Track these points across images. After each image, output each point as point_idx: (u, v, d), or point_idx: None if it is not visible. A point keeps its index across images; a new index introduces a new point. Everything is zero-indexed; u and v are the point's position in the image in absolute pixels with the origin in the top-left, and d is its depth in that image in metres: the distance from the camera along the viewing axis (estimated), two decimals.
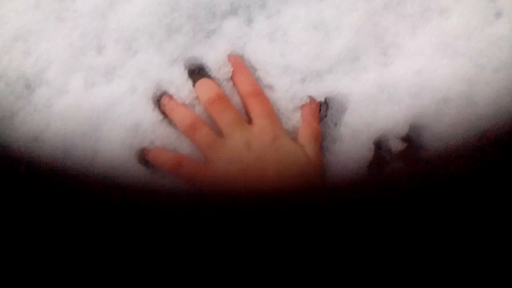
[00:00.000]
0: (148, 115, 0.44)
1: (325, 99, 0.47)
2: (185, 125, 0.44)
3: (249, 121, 0.45)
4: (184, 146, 0.45)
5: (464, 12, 0.46)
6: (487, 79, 0.44)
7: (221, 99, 0.44)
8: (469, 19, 0.46)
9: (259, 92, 0.45)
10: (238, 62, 0.46)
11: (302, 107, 0.46)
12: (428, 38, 0.46)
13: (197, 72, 0.47)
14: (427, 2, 0.46)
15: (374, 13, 0.46)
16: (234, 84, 0.46)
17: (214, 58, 0.46)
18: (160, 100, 0.45)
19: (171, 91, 0.45)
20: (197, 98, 0.45)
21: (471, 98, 0.44)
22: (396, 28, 0.46)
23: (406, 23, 0.46)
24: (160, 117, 0.45)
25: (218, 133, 0.44)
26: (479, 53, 0.45)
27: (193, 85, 0.46)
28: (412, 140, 0.46)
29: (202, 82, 0.45)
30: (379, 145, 0.46)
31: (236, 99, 0.46)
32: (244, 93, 0.45)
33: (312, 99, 0.46)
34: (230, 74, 0.46)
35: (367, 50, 0.46)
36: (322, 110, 0.47)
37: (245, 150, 0.43)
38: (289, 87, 0.46)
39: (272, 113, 0.45)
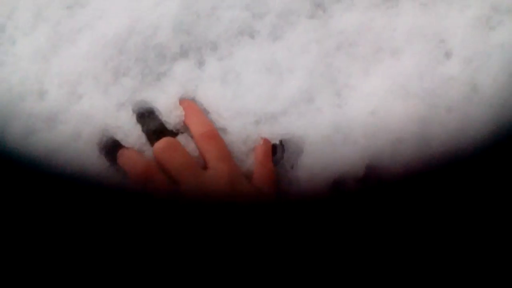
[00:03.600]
0: (93, 162, 0.42)
1: (281, 141, 0.46)
2: (137, 172, 0.42)
3: (205, 164, 0.43)
4: None
5: (415, 53, 0.46)
6: (440, 119, 0.45)
7: (171, 145, 0.43)
8: (420, 59, 0.46)
9: (214, 133, 0.44)
10: (191, 105, 0.45)
11: (255, 148, 0.45)
12: (381, 78, 0.46)
13: (147, 116, 0.45)
14: (378, 43, 0.46)
15: (326, 55, 0.46)
16: (187, 127, 0.45)
17: (164, 102, 0.44)
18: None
19: (119, 136, 0.44)
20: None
21: (425, 139, 0.44)
22: (349, 69, 0.46)
23: (359, 64, 0.46)
24: (107, 164, 0.43)
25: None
26: (431, 93, 0.45)
27: (142, 130, 0.44)
28: (369, 181, 0.45)
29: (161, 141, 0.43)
30: (337, 187, 0.45)
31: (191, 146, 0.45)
32: (197, 135, 0.44)
33: (265, 139, 0.45)
34: (182, 118, 0.45)
35: (321, 91, 0.46)
36: (278, 153, 0.46)
37: (200, 197, 0.41)
38: (242, 129, 0.45)
39: (227, 155, 0.44)
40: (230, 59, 0.46)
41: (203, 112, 0.45)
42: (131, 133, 0.44)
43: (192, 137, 0.45)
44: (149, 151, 0.44)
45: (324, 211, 0.43)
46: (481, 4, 0.46)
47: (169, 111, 0.44)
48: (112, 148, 0.44)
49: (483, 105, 0.45)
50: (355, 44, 0.46)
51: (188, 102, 0.45)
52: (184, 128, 0.45)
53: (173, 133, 0.45)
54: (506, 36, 0.46)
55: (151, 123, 0.45)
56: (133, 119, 0.44)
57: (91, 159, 0.42)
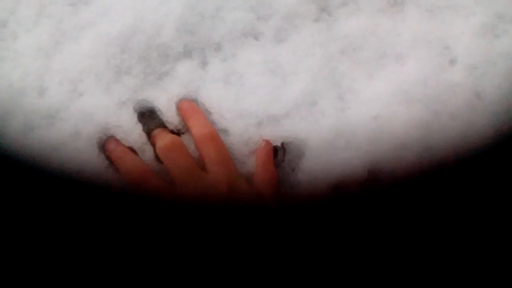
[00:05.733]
0: (93, 161, 0.42)
1: (282, 144, 0.45)
2: (132, 178, 0.41)
3: (203, 166, 0.43)
4: None
5: (420, 59, 0.46)
6: (443, 126, 0.45)
7: (176, 145, 0.42)
8: (424, 65, 0.46)
9: (214, 135, 0.43)
10: (192, 106, 0.44)
11: (257, 150, 0.45)
12: (385, 84, 0.46)
13: (147, 116, 0.45)
14: (382, 49, 0.46)
15: (331, 59, 0.46)
16: (188, 128, 0.44)
17: (166, 101, 0.44)
18: (104, 144, 0.43)
19: (119, 135, 0.43)
20: (151, 144, 0.44)
21: (427, 144, 0.44)
22: (353, 73, 0.46)
23: (363, 69, 0.46)
24: (106, 163, 0.43)
25: (169, 180, 0.42)
26: (435, 100, 0.45)
27: (143, 129, 0.44)
28: (370, 186, 0.45)
29: (159, 131, 0.44)
30: (338, 191, 0.45)
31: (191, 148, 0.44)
32: (198, 136, 0.43)
33: (267, 141, 0.45)
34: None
35: (324, 95, 0.45)
36: (280, 155, 0.46)
37: (198, 202, 0.40)
38: (244, 131, 0.44)
39: (227, 159, 0.43)
40: (234, 60, 0.45)
41: (204, 114, 0.45)
42: (131, 132, 0.43)
43: (192, 137, 0.44)
44: (149, 151, 0.44)
45: (325, 215, 0.43)
46: (486, 12, 0.46)
47: (170, 111, 0.44)
48: None
49: (486, 112, 0.45)
50: (360, 48, 0.46)
51: (189, 103, 0.44)
52: (185, 129, 0.45)
53: (174, 134, 0.45)
54: (511, 45, 0.46)
55: (152, 123, 0.45)
56: (134, 118, 0.44)
57: (91, 157, 0.42)
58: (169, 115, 0.44)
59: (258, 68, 0.45)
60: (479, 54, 0.46)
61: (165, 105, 0.44)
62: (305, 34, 0.46)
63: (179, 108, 0.44)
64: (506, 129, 0.45)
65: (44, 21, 0.44)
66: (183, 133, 0.45)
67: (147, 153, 0.43)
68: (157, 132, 0.44)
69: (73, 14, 0.44)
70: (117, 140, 0.43)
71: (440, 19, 0.47)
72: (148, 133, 0.44)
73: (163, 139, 0.42)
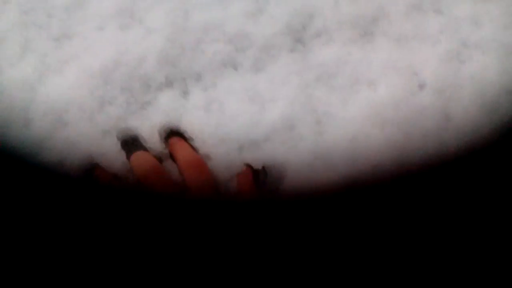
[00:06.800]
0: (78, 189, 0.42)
1: (263, 167, 0.46)
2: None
3: (187, 191, 0.43)
4: None
5: (390, 85, 0.48)
6: (416, 146, 0.46)
7: (157, 170, 0.43)
8: (395, 90, 0.48)
9: (201, 162, 0.44)
10: (181, 140, 0.46)
11: (238, 175, 0.45)
12: (359, 108, 0.47)
13: (130, 143, 0.46)
14: (355, 76, 0.48)
15: (306, 86, 0.48)
16: (174, 156, 0.45)
17: (149, 129, 0.45)
18: (93, 172, 0.44)
19: (103, 163, 0.44)
20: (131, 170, 0.44)
21: (402, 165, 0.45)
22: (328, 99, 0.47)
23: (337, 95, 0.48)
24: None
25: None
26: (407, 122, 0.47)
27: (126, 157, 0.44)
28: (348, 206, 0.46)
29: (138, 155, 0.44)
30: (317, 213, 0.45)
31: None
32: (184, 163, 0.44)
33: (247, 164, 0.46)
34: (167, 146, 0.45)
35: (302, 119, 0.47)
36: (261, 178, 0.47)
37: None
38: (225, 155, 0.45)
39: (212, 184, 0.44)
40: (214, 89, 0.47)
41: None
42: (115, 159, 0.44)
43: (176, 163, 0.45)
44: (132, 178, 0.44)
45: (306, 236, 0.44)
46: (450, 40, 0.49)
47: (153, 138, 0.45)
48: None
49: (456, 133, 0.46)
50: (334, 76, 0.48)
51: (178, 139, 0.46)
52: (167, 156, 0.46)
53: None
54: (475, 69, 0.48)
55: (135, 150, 0.45)
56: (117, 146, 0.44)
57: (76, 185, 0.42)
58: (152, 142, 0.45)
59: (237, 96, 0.47)
60: (446, 79, 0.48)
61: (148, 132, 0.45)
62: (281, 64, 0.48)
63: (170, 144, 0.45)
64: (475, 149, 0.47)
65: (28, 55, 0.45)
66: (164, 161, 0.46)
67: (131, 180, 0.44)
68: (135, 157, 0.44)
69: (57, 49, 0.45)
70: (101, 168, 0.44)
71: (408, 47, 0.49)
72: None
73: (143, 164, 0.43)
